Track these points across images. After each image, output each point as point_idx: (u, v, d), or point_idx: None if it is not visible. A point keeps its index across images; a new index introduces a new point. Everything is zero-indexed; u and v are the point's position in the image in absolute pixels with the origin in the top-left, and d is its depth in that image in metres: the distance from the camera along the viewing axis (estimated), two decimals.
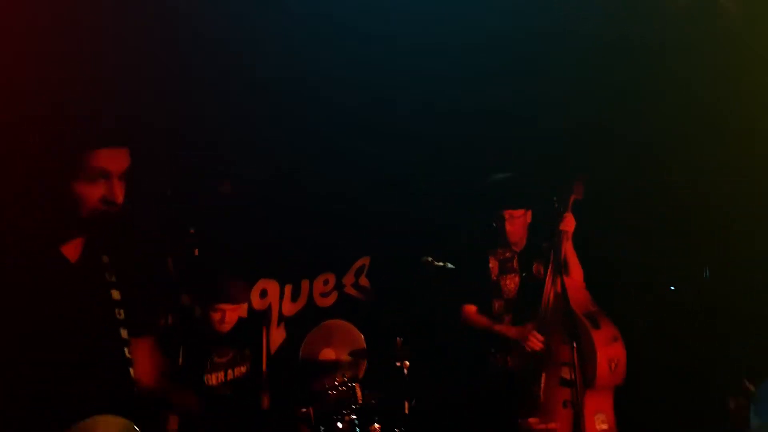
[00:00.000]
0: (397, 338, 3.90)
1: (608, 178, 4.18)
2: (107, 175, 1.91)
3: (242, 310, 3.97)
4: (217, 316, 3.69)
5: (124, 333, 2.07)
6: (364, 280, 5.27)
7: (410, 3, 4.11)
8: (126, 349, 2.07)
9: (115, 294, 2.07)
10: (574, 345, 3.51)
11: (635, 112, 4.51)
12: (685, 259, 4.70)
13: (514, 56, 4.37)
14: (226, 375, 3.78)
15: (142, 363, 2.20)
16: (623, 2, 4.14)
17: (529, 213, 4.16)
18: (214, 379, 3.74)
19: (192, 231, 1.92)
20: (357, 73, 4.29)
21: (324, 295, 5.10)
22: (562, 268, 3.88)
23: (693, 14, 4.04)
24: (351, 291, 5.21)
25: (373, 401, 3.71)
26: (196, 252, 1.93)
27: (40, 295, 1.90)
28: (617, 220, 4.59)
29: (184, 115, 3.94)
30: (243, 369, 3.84)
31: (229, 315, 3.71)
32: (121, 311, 2.06)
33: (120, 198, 1.93)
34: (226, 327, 3.73)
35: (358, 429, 3.56)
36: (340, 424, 3.43)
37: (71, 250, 2.01)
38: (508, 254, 4.23)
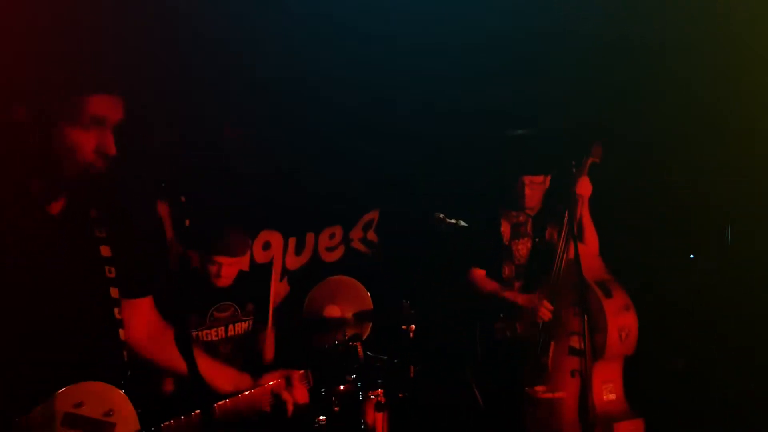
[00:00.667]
0: (404, 301, 3.75)
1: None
2: (102, 123, 1.83)
3: (243, 263, 3.79)
4: (213, 269, 3.52)
5: (114, 292, 1.96)
6: (372, 235, 5.14)
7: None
8: (116, 310, 1.97)
9: (105, 250, 1.95)
10: (585, 316, 3.48)
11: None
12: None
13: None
14: (226, 331, 3.65)
15: (135, 324, 2.10)
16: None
17: (548, 179, 4.13)
18: (213, 334, 3.61)
19: (183, 199, 1.85)
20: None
21: (330, 249, 4.95)
22: (575, 234, 3.80)
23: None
24: (358, 246, 5.08)
25: (377, 364, 3.63)
26: (187, 222, 1.84)
27: (23, 253, 1.80)
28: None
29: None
30: (245, 325, 3.72)
31: (227, 269, 3.55)
32: (112, 269, 1.95)
33: (113, 150, 1.84)
34: (224, 281, 3.58)
35: (360, 393, 3.48)
36: (342, 387, 3.29)
37: (55, 205, 1.90)
38: (521, 218, 4.19)
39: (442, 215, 3.90)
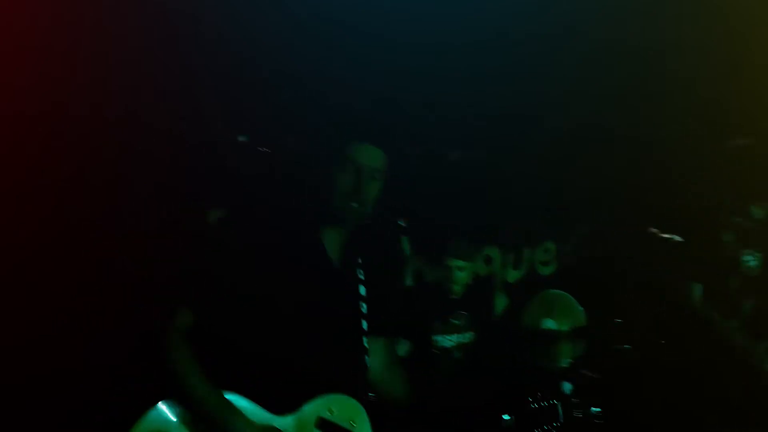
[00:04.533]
0: (615, 320, 3.76)
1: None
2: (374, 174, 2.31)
3: (470, 274, 3.98)
4: (446, 273, 3.75)
5: (365, 324, 2.31)
6: (583, 250, 5.27)
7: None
8: (365, 338, 2.31)
9: (362, 289, 2.33)
10: None
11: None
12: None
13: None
14: (460, 338, 3.82)
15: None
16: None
17: None
18: (449, 341, 3.79)
19: (403, 225, 2.11)
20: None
21: (545, 263, 5.16)
22: None
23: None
24: (570, 260, 5.22)
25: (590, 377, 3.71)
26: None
27: (299, 294, 2.13)
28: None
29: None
30: (472, 334, 3.88)
31: (458, 274, 3.76)
32: (365, 304, 2.32)
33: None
34: (456, 288, 3.78)
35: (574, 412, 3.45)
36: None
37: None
38: (749, 224, 3.81)
39: (655, 230, 3.70)
